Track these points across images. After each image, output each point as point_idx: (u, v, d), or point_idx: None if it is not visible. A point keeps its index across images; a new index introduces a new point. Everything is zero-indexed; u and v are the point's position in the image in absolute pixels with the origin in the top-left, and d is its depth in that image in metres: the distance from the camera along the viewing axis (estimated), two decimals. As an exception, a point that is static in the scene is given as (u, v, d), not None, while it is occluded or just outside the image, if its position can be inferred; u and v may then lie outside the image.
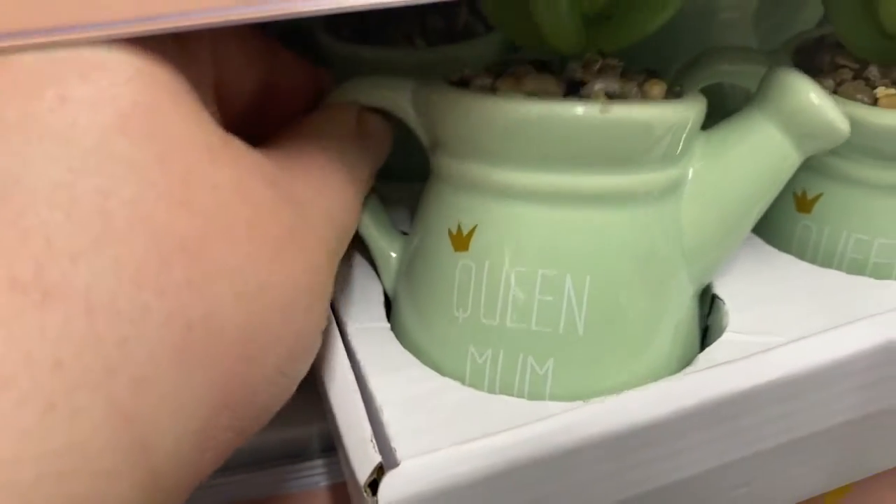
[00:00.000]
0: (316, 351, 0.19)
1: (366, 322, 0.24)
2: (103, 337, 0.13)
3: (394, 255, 0.25)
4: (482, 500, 0.18)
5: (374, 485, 0.17)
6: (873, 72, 0.25)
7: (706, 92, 0.25)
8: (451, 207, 0.22)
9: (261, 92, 0.21)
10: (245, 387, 0.16)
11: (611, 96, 0.20)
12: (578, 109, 0.19)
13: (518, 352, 0.21)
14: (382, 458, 0.18)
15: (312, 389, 0.22)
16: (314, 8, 0.15)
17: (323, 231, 0.19)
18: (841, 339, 0.20)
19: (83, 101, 0.14)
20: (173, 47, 0.16)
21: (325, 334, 0.22)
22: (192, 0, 0.15)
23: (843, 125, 0.21)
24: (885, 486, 0.29)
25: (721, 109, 0.24)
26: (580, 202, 0.21)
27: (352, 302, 0.24)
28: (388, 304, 0.25)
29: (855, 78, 0.25)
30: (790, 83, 0.21)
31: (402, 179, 0.27)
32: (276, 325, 0.16)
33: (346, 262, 0.26)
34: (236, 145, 0.17)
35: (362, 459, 0.18)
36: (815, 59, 0.26)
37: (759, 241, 0.27)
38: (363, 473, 0.17)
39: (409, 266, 0.24)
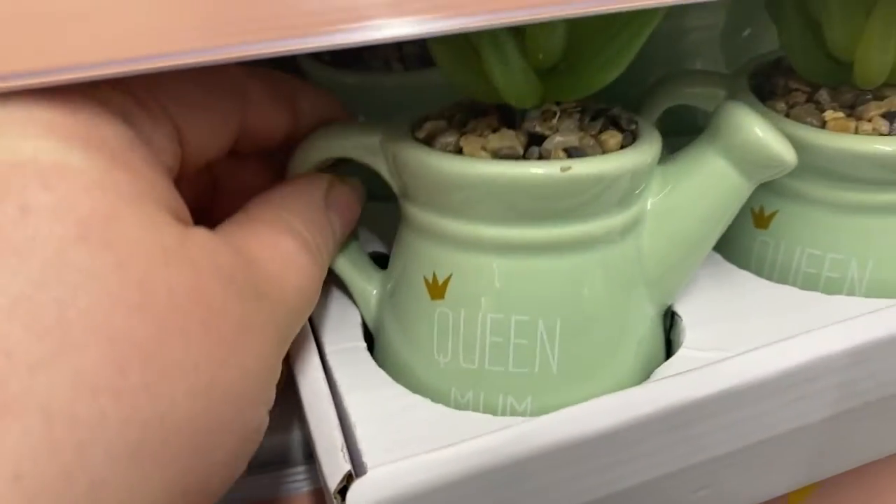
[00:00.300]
0: (265, 428, 0.19)
1: (343, 343, 0.25)
2: (61, 444, 0.14)
3: (374, 291, 0.26)
4: (445, 505, 0.19)
5: (343, 491, 0.18)
6: (823, 95, 0.26)
7: (680, 109, 0.26)
8: (424, 257, 0.23)
9: (233, 138, 0.22)
10: (200, 477, 0.17)
11: (569, 151, 0.22)
12: (540, 170, 0.21)
13: (498, 392, 0.23)
14: (353, 467, 0.19)
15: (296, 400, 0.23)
16: (299, 46, 0.16)
17: (278, 319, 0.20)
18: (783, 353, 0.21)
19: (44, 210, 0.15)
20: (130, 130, 0.17)
21: (304, 353, 0.23)
22: (172, 42, 0.16)
23: (788, 156, 0.22)
24: (848, 485, 0.30)
25: (693, 126, 0.25)
26: (547, 251, 0.22)
27: (330, 323, 0.26)
28: (366, 326, 0.26)
29: (807, 101, 0.26)
30: (736, 119, 0.22)
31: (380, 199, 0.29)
32: (229, 416, 0.17)
33: (324, 285, 0.27)
34: (193, 241, 0.17)
35: (333, 467, 0.19)
36: (770, 81, 0.28)
37: (718, 258, 0.28)
38: (334, 480, 0.19)
39: (390, 308, 0.25)
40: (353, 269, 0.26)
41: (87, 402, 0.14)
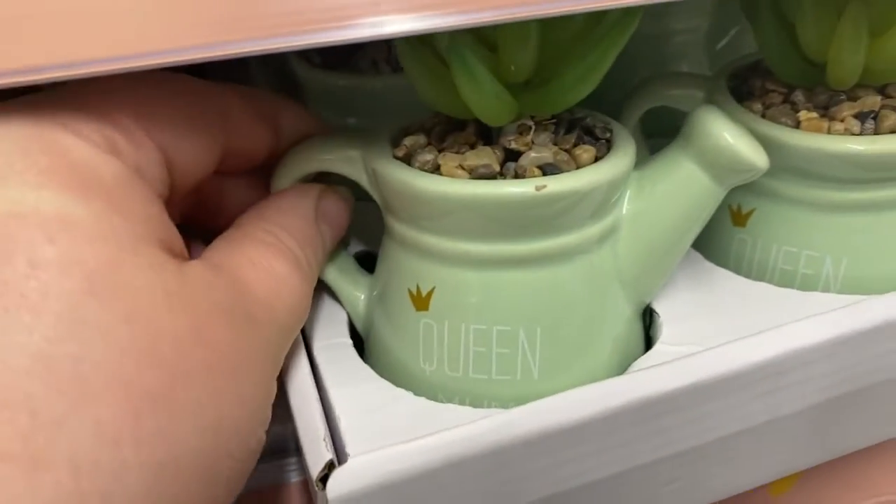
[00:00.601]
0: (262, 445, 0.20)
1: (329, 339, 0.26)
2: (88, 494, 0.15)
3: (361, 297, 0.27)
4: (423, 494, 0.20)
5: (324, 479, 0.19)
6: (799, 96, 0.27)
7: (662, 111, 0.27)
8: (408, 270, 0.24)
9: (218, 158, 0.23)
10: (206, 502, 0.18)
11: (543, 168, 0.22)
12: (515, 189, 0.21)
13: (482, 399, 0.24)
14: (336, 456, 0.20)
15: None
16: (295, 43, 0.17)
17: (272, 340, 0.21)
18: (752, 347, 0.22)
19: (52, 265, 0.15)
20: (122, 165, 0.18)
21: (292, 349, 0.24)
22: (180, 38, 0.16)
23: (759, 161, 0.23)
24: (830, 474, 0.31)
25: (676, 128, 0.25)
26: (525, 264, 0.23)
27: (317, 321, 0.27)
28: (352, 323, 0.27)
29: (783, 102, 0.27)
30: (707, 124, 0.23)
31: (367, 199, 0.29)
32: (233, 445, 0.18)
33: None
34: (191, 281, 0.18)
35: (316, 456, 0.20)
36: (748, 83, 0.28)
37: (697, 257, 0.29)
38: (316, 469, 0.19)
39: (377, 314, 0.26)
40: (340, 276, 0.27)
41: (109, 451, 0.15)
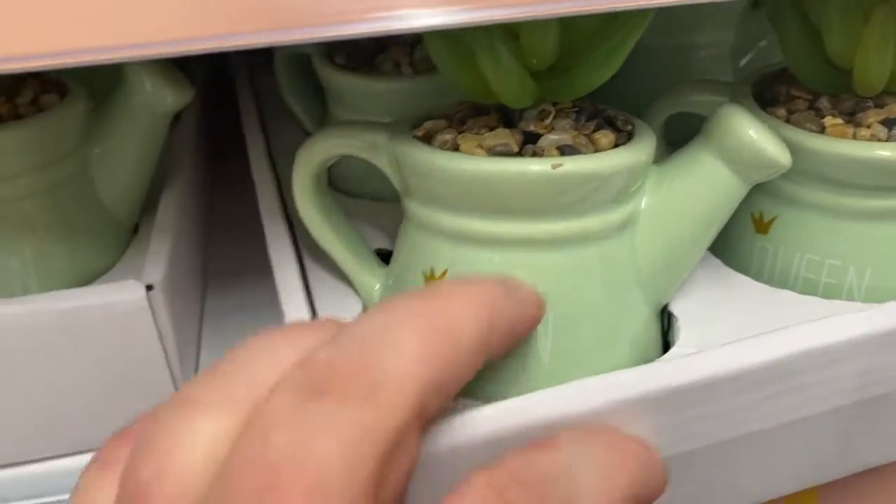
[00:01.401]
0: None
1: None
2: None
3: (376, 286, 0.26)
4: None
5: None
6: (824, 102, 0.26)
7: (686, 118, 0.27)
8: (424, 252, 0.24)
9: None
10: None
11: (562, 149, 0.22)
12: (532, 167, 0.21)
13: (489, 383, 0.23)
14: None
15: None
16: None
17: None
18: (755, 348, 0.21)
19: None
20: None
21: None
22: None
23: (781, 157, 0.23)
24: (853, 494, 0.30)
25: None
26: (541, 246, 0.23)
27: (331, 309, 0.26)
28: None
29: (808, 108, 0.27)
30: (730, 120, 0.23)
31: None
32: None
33: (324, 273, 0.28)
34: None
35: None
36: (772, 89, 0.28)
37: (718, 263, 0.28)
38: None
39: None
40: (356, 264, 0.26)
41: None
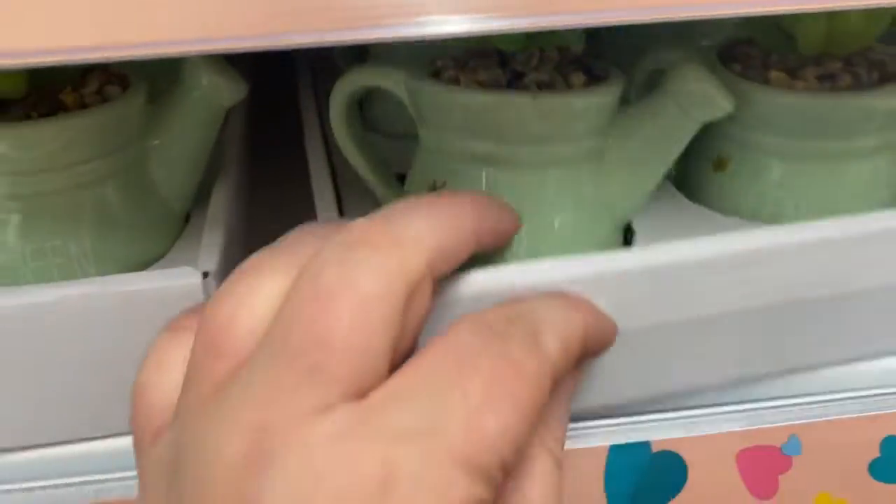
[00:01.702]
0: None
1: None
2: None
3: (395, 197, 0.32)
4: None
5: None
6: (773, 60, 0.32)
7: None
8: (428, 168, 0.30)
9: None
10: None
11: (542, 85, 0.28)
12: (515, 98, 0.27)
13: None
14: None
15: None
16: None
17: None
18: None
19: None
20: None
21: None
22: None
23: (724, 100, 0.28)
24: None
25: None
26: (522, 166, 0.28)
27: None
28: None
29: (761, 66, 0.32)
30: (683, 70, 0.28)
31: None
32: None
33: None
34: None
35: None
36: (735, 51, 0.33)
37: (680, 196, 0.34)
38: None
39: None
40: (378, 178, 0.32)
41: None
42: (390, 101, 0.31)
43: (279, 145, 0.44)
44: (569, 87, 0.28)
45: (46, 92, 0.28)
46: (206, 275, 0.26)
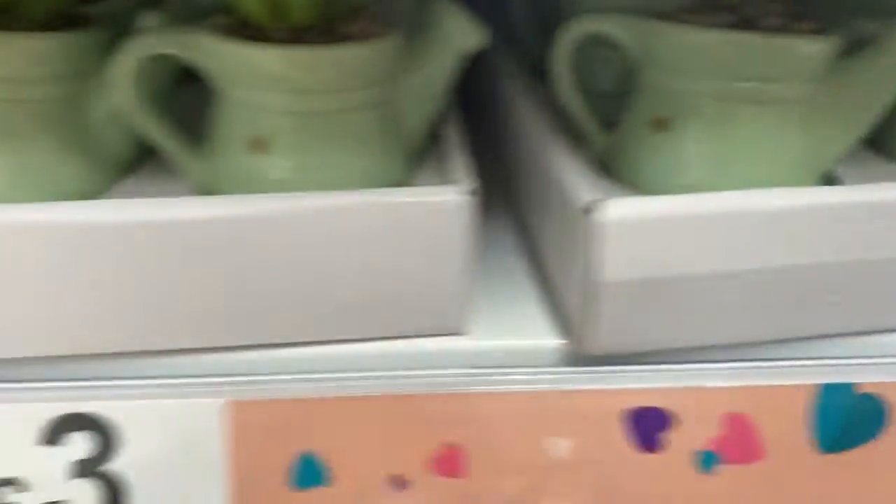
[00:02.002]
0: None
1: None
2: None
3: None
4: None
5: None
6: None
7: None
8: (654, 105, 0.33)
9: None
10: None
11: (771, 31, 0.30)
12: (752, 37, 0.30)
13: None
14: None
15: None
16: None
17: None
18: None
19: None
20: None
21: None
22: None
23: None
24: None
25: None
26: (746, 102, 0.31)
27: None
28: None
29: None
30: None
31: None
32: None
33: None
34: None
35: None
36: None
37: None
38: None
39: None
40: (594, 124, 0.36)
41: None
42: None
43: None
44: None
45: (327, 26, 0.32)
46: (472, 193, 0.29)
